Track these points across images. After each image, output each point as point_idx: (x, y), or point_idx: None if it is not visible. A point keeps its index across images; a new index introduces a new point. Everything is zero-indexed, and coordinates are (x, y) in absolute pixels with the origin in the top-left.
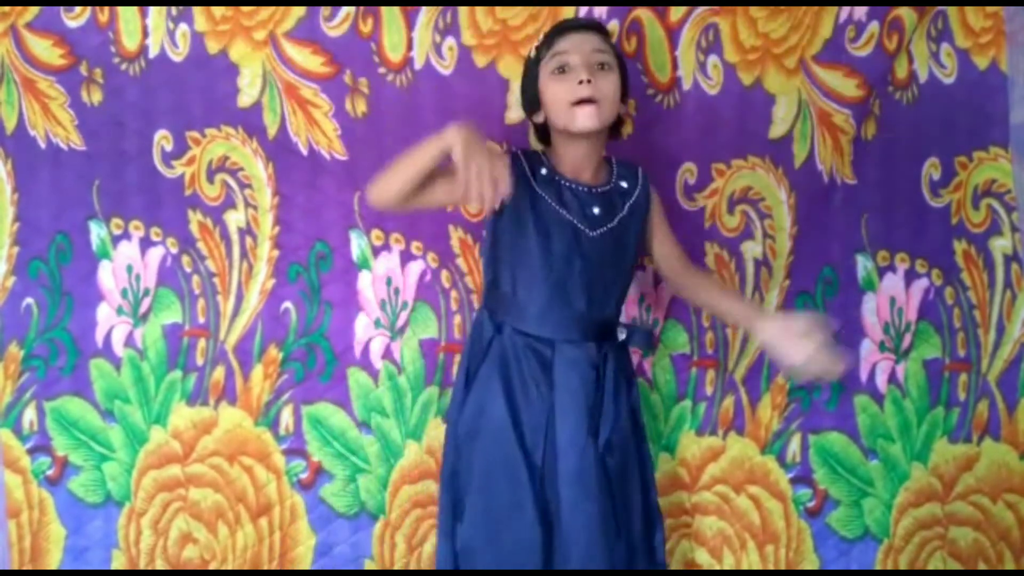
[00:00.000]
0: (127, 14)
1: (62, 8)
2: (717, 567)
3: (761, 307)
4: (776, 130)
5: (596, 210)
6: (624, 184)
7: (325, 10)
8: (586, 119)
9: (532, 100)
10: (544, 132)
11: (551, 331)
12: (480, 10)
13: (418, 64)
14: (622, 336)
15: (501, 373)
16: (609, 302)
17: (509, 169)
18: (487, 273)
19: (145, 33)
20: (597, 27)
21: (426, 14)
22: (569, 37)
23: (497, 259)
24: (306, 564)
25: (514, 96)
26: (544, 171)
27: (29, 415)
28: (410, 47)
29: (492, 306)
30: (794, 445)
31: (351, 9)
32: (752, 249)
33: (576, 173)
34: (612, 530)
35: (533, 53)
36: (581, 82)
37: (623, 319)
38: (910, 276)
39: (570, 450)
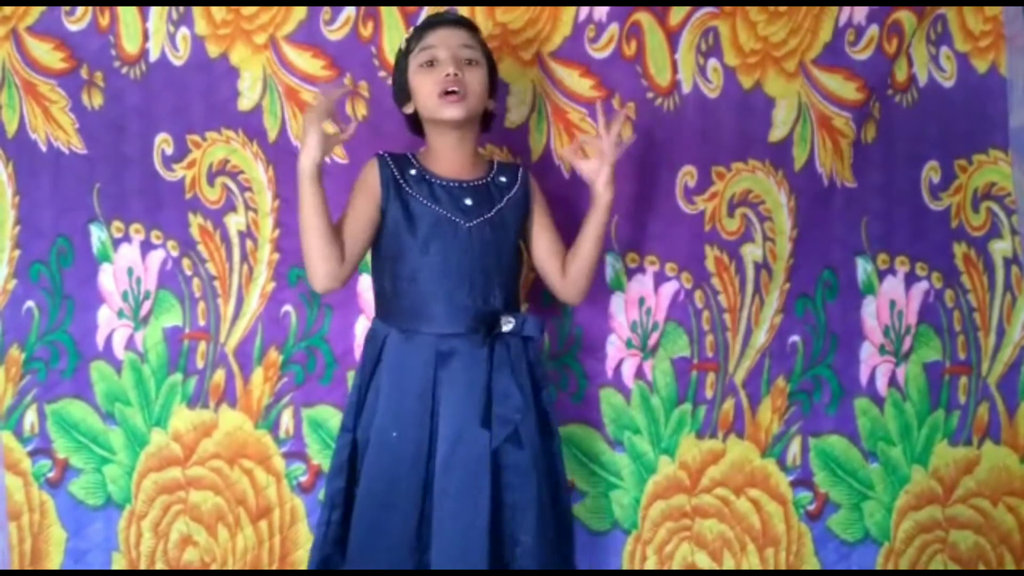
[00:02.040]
0: (128, 18)
1: (63, 12)
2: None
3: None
4: (776, 133)
5: (468, 201)
6: (503, 179)
7: (325, 14)
8: (452, 109)
9: (402, 91)
10: (416, 123)
11: (434, 325)
12: (480, 14)
13: None
14: (508, 327)
15: (388, 377)
16: (493, 293)
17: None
18: (374, 282)
19: (146, 37)
20: (466, 23)
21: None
22: (437, 32)
23: (380, 264)
24: (306, 567)
25: (514, 99)
26: (413, 171)
27: (30, 418)
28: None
29: (381, 313)
30: (794, 448)
31: (351, 13)
32: (752, 252)
33: (450, 169)
34: (486, 524)
35: (403, 45)
36: (448, 75)
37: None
38: (910, 279)
39: (453, 442)
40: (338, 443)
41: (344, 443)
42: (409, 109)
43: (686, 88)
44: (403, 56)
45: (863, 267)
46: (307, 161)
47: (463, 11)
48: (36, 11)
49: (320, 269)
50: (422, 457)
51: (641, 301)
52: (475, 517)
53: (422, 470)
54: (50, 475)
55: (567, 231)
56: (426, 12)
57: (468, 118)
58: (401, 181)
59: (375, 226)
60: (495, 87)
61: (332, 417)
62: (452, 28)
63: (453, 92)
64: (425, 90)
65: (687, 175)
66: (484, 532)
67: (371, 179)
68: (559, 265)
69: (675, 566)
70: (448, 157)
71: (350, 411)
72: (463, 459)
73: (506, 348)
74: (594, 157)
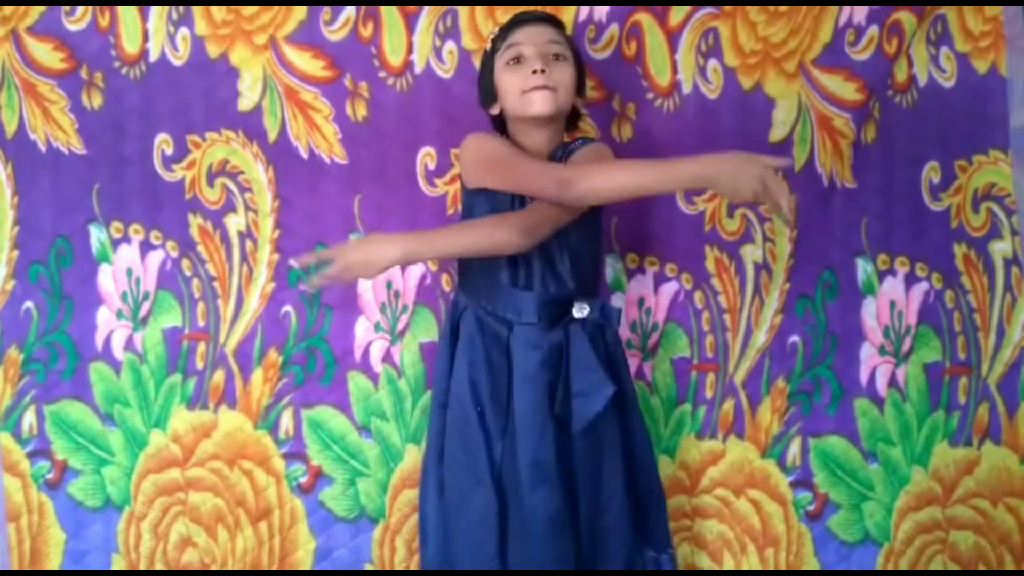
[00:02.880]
0: (128, 18)
1: (63, 12)
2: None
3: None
4: (776, 134)
5: None
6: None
7: (325, 14)
8: (541, 103)
9: (488, 92)
10: (501, 124)
11: (506, 310)
12: (480, 14)
13: (418, 68)
14: (581, 313)
15: (466, 354)
16: (566, 279)
17: None
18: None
19: (146, 37)
20: (552, 19)
21: (426, 18)
22: (524, 29)
23: None
24: (306, 568)
25: None
26: None
27: (29, 419)
28: (410, 51)
29: (462, 283)
30: (794, 449)
31: (351, 13)
32: (752, 253)
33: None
34: (568, 517)
35: (489, 45)
36: (535, 72)
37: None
38: (910, 280)
39: (528, 432)
40: (434, 424)
41: (441, 425)
42: (495, 110)
43: (686, 89)
44: (489, 56)
45: (863, 267)
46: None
47: (464, 12)
48: (36, 11)
49: (504, 243)
50: (495, 440)
51: (641, 302)
52: (551, 516)
53: (498, 453)
54: (49, 476)
55: None
56: (426, 12)
57: (556, 113)
58: None
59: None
60: (583, 85)
61: (332, 418)
62: (538, 25)
63: (541, 87)
64: (512, 86)
65: None
66: (564, 519)
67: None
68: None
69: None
70: (534, 152)
71: (440, 385)
72: (535, 450)
73: (584, 331)
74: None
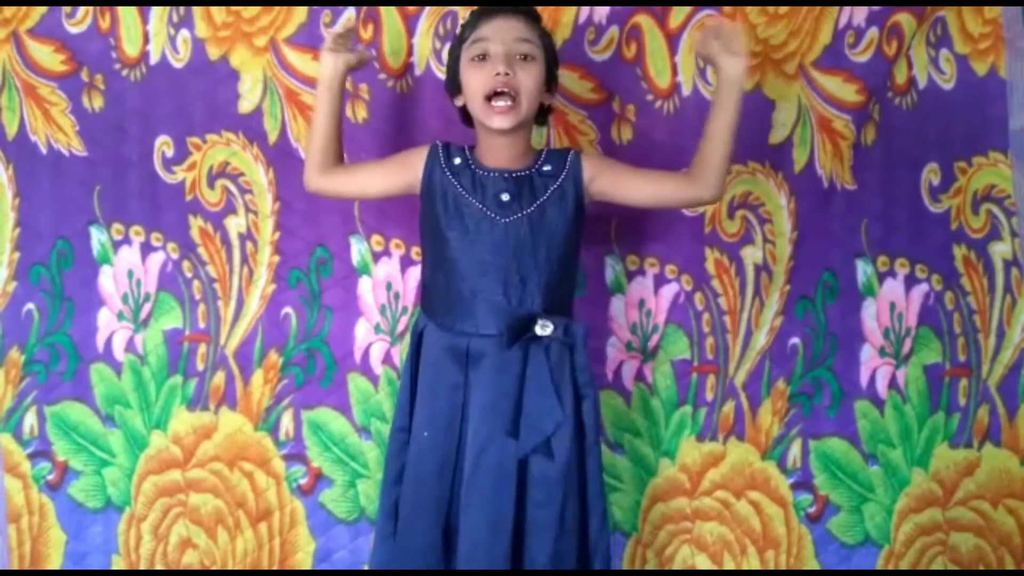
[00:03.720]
0: (128, 20)
1: (64, 14)
2: None
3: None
4: (776, 135)
5: (505, 196)
6: (547, 168)
7: (326, 16)
8: (499, 120)
9: (453, 83)
10: (467, 115)
11: (466, 324)
12: None
13: (418, 70)
14: (544, 331)
15: (424, 372)
16: (530, 294)
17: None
18: (421, 273)
19: (146, 39)
20: (525, 12)
21: (426, 20)
22: (494, 22)
23: (423, 251)
24: (309, 568)
25: None
26: (458, 160)
27: (30, 420)
28: (410, 53)
29: (422, 301)
30: (794, 451)
31: (351, 15)
32: (752, 254)
33: (496, 160)
34: (509, 543)
35: (458, 31)
36: (499, 74)
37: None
38: (910, 281)
39: (477, 454)
40: (392, 447)
41: (400, 447)
42: (460, 102)
43: (686, 90)
44: (456, 44)
45: (863, 269)
46: (327, 68)
47: (464, 13)
48: (37, 13)
49: (307, 167)
50: (449, 463)
51: (641, 303)
52: (498, 536)
53: (448, 476)
54: (50, 477)
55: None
56: (426, 13)
57: (517, 127)
58: (445, 168)
59: (387, 190)
60: (554, 80)
61: (332, 420)
62: (509, 18)
63: (502, 94)
64: (474, 87)
65: None
66: (506, 547)
67: (415, 160)
68: (676, 179)
69: (675, 568)
70: (496, 153)
71: (402, 408)
72: (488, 472)
73: (545, 353)
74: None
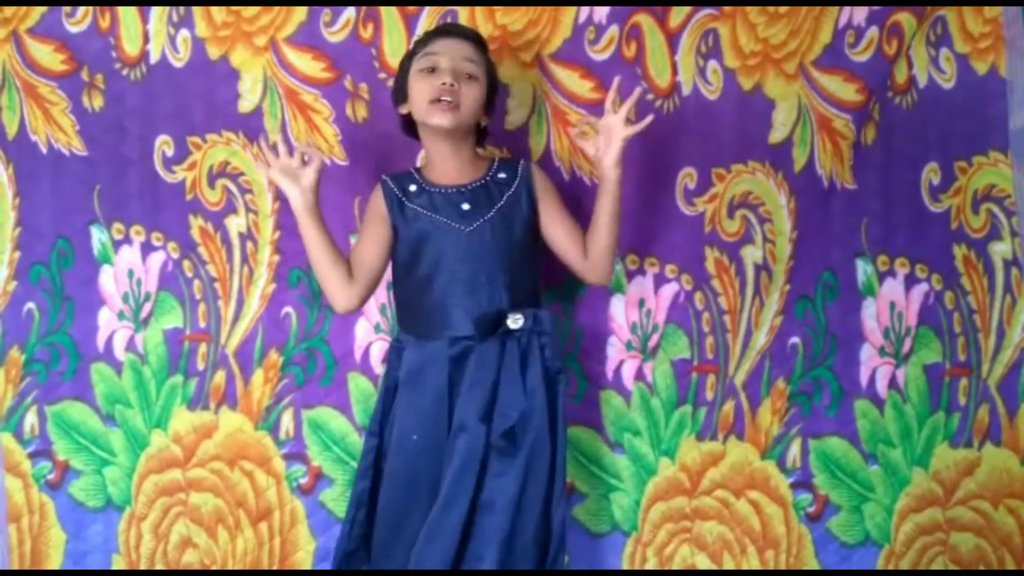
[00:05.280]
0: (128, 20)
1: (64, 14)
2: None
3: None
4: (776, 135)
5: (466, 206)
6: (502, 175)
7: (326, 16)
8: (441, 117)
9: (400, 92)
10: (410, 125)
11: (447, 329)
12: (480, 16)
13: None
14: (515, 324)
15: (406, 385)
16: (499, 293)
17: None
18: (395, 295)
19: (146, 39)
20: (474, 37)
21: (426, 20)
22: (444, 41)
23: (396, 276)
24: (310, 567)
25: (514, 100)
26: (413, 187)
27: (30, 419)
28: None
29: (402, 324)
30: (794, 450)
31: (351, 15)
32: (752, 254)
33: (447, 176)
34: (459, 521)
35: (411, 46)
36: (444, 84)
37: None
38: (910, 281)
39: (453, 434)
40: (365, 446)
41: (371, 447)
42: (404, 110)
43: (686, 90)
44: (407, 58)
45: (863, 269)
46: (295, 201)
47: (463, 12)
48: (37, 13)
49: (336, 295)
50: (440, 457)
51: (641, 303)
52: (449, 512)
53: (439, 470)
54: (50, 477)
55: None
56: (426, 13)
57: (456, 128)
58: (402, 197)
59: (390, 246)
60: (492, 105)
61: (332, 419)
62: (459, 40)
63: (446, 101)
64: (420, 94)
65: (687, 177)
66: (456, 530)
67: (377, 203)
68: (580, 250)
69: (675, 568)
70: (444, 164)
71: (376, 416)
72: (459, 450)
73: (518, 345)
74: (600, 135)
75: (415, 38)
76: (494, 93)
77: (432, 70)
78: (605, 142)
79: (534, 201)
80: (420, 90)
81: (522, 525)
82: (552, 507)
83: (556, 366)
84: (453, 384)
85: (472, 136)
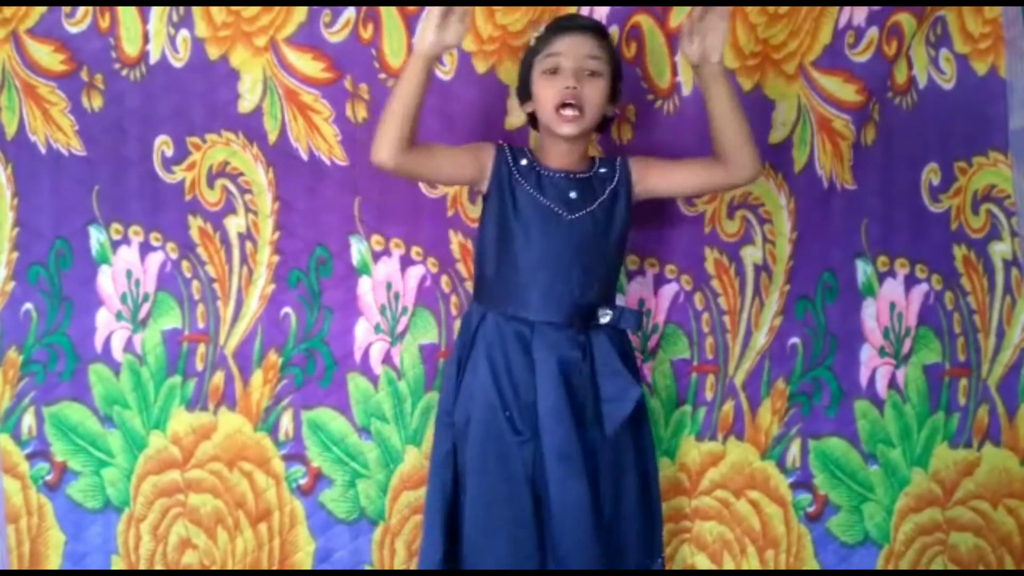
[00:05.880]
0: (128, 20)
1: (63, 14)
2: None
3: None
4: (776, 135)
5: (573, 194)
6: (603, 171)
7: (326, 16)
8: (567, 128)
9: (524, 90)
10: (534, 121)
11: (531, 312)
12: (480, 16)
13: None
14: (605, 319)
15: (487, 359)
16: (591, 285)
17: None
18: (476, 263)
19: (146, 39)
20: (596, 29)
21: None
22: (566, 39)
23: (484, 247)
24: (309, 567)
25: (514, 101)
26: (524, 161)
27: (28, 420)
28: (411, 53)
29: (479, 295)
30: (794, 450)
31: (351, 15)
32: (752, 254)
33: (558, 163)
34: (595, 511)
35: (532, 42)
36: (568, 88)
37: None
38: (910, 281)
39: (555, 427)
40: (439, 433)
41: (445, 433)
42: (528, 109)
43: (686, 90)
44: (530, 54)
45: (863, 269)
46: (422, 44)
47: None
48: (36, 13)
49: (385, 145)
50: (526, 439)
51: (641, 303)
52: (580, 509)
53: (531, 449)
54: (48, 478)
55: None
56: (426, 13)
57: (581, 135)
58: (513, 169)
59: (458, 172)
60: (618, 93)
61: (332, 419)
62: (581, 35)
63: (570, 105)
64: (545, 98)
65: None
66: (591, 526)
67: (484, 157)
68: (709, 162)
69: (675, 568)
70: (560, 156)
71: (448, 397)
72: (562, 444)
73: (607, 337)
74: (695, 38)
75: (535, 33)
76: (619, 81)
77: (555, 71)
78: (700, 41)
79: (631, 197)
80: (544, 94)
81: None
82: (651, 497)
83: (634, 363)
84: (535, 370)
85: (591, 133)
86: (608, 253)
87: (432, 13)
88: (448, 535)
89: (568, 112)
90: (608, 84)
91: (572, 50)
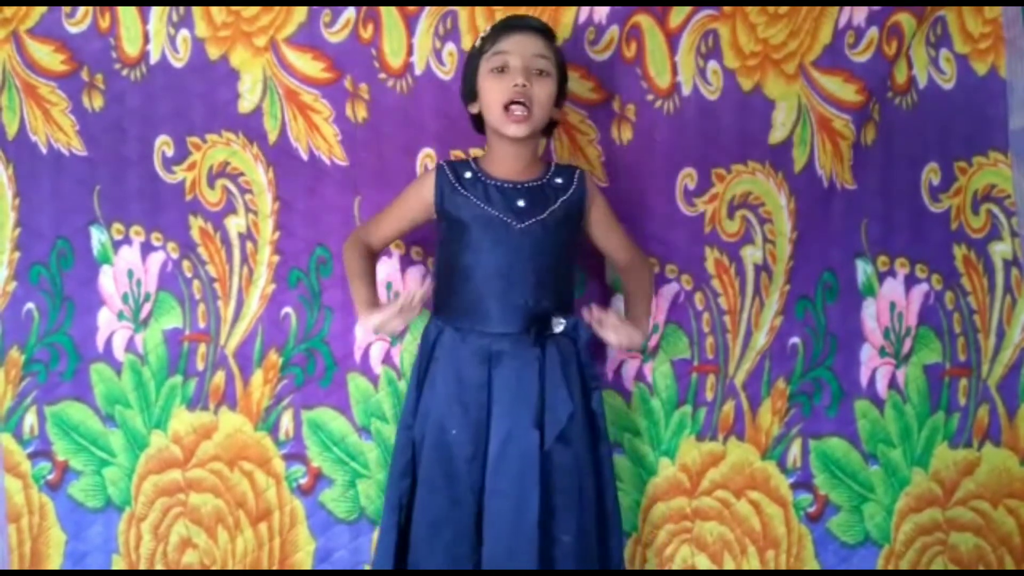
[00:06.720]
0: (128, 20)
1: (64, 14)
2: None
3: (638, 319)
4: (776, 135)
5: (521, 203)
6: (559, 180)
7: (325, 16)
8: (515, 128)
9: (470, 91)
10: (479, 122)
11: (488, 324)
12: (480, 16)
13: (418, 70)
14: (559, 328)
15: (443, 376)
16: (545, 294)
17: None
18: (434, 279)
19: (146, 39)
20: (543, 30)
21: (426, 20)
22: (513, 37)
23: (439, 262)
24: (308, 567)
25: None
26: (468, 174)
27: (30, 420)
28: (410, 53)
29: (437, 310)
30: (794, 450)
31: (351, 15)
32: (752, 254)
33: (507, 172)
34: (536, 522)
35: (478, 43)
36: (516, 85)
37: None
38: (910, 281)
39: (503, 441)
40: (399, 442)
41: (406, 442)
42: (474, 109)
43: (686, 90)
44: (475, 54)
45: (863, 269)
46: (367, 322)
47: (463, 13)
48: (37, 13)
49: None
50: (479, 455)
51: None
52: (524, 516)
53: (479, 467)
54: (50, 477)
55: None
56: (426, 13)
57: (530, 135)
58: (456, 185)
59: (414, 224)
60: (563, 96)
61: (332, 419)
62: (529, 35)
63: (518, 104)
64: (492, 97)
65: (687, 177)
66: (534, 531)
67: (425, 189)
68: (617, 261)
69: (675, 568)
70: (506, 161)
71: (408, 409)
72: (514, 458)
73: (557, 349)
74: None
75: (482, 34)
76: (565, 83)
77: (503, 70)
78: (616, 336)
79: (584, 209)
80: (491, 91)
81: (587, 524)
82: (607, 510)
83: (591, 373)
84: (490, 381)
85: (539, 136)
86: (560, 261)
87: (392, 307)
88: (400, 548)
89: (517, 111)
90: (556, 85)
91: (520, 49)
